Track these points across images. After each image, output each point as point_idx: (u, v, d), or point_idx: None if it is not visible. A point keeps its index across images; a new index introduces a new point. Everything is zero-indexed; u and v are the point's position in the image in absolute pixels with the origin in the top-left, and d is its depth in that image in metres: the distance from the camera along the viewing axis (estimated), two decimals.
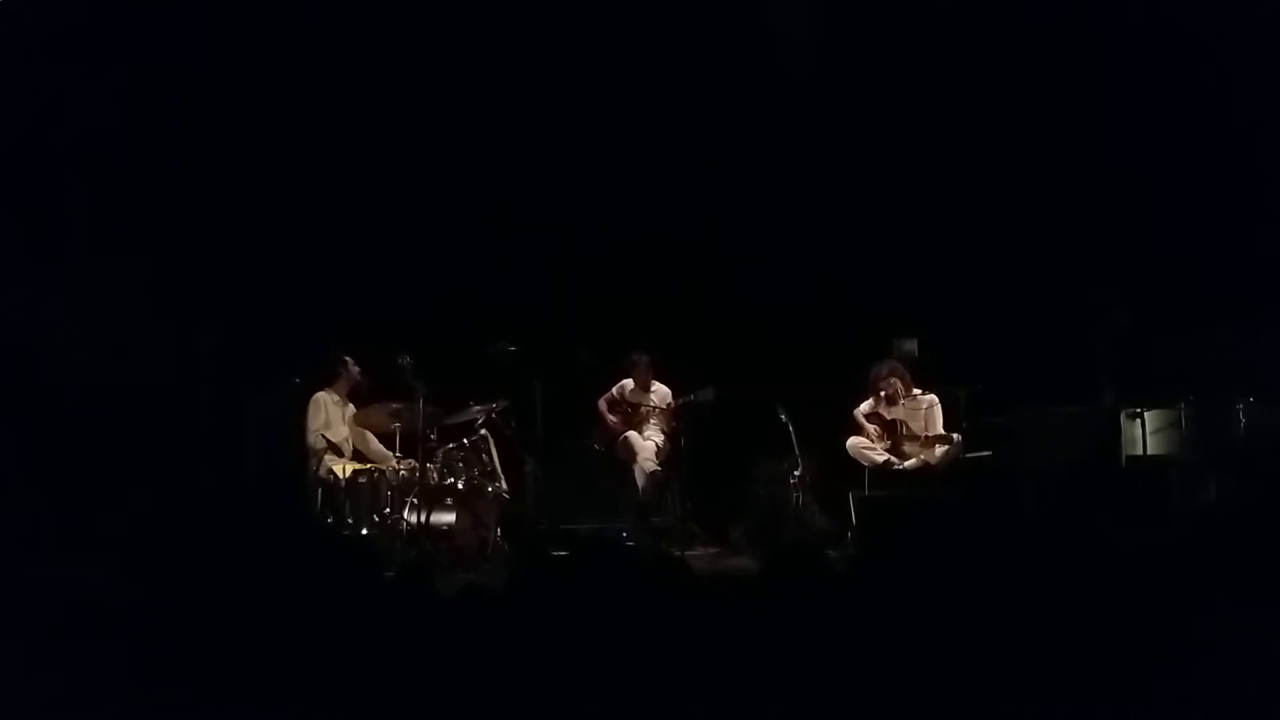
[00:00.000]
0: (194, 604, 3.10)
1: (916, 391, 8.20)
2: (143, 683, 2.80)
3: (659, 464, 8.39)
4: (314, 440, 7.53)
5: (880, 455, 8.13)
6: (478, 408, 7.72)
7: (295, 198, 8.39)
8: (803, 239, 8.94)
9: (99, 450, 7.46)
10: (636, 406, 8.67)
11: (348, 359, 7.83)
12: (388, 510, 7.30)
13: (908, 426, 8.19)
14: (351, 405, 7.83)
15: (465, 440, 7.68)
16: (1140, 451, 7.36)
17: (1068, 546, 3.44)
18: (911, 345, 8.54)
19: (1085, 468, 7.31)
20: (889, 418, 8.26)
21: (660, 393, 8.64)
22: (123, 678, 2.81)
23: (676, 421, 8.38)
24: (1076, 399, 7.73)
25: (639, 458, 8.41)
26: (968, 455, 7.95)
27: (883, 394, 8.21)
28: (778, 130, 8.73)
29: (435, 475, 7.51)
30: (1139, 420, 7.39)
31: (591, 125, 8.68)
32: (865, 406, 8.34)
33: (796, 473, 8.04)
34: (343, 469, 7.42)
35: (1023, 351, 7.94)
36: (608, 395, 8.77)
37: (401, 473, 7.46)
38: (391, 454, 7.64)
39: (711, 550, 7.99)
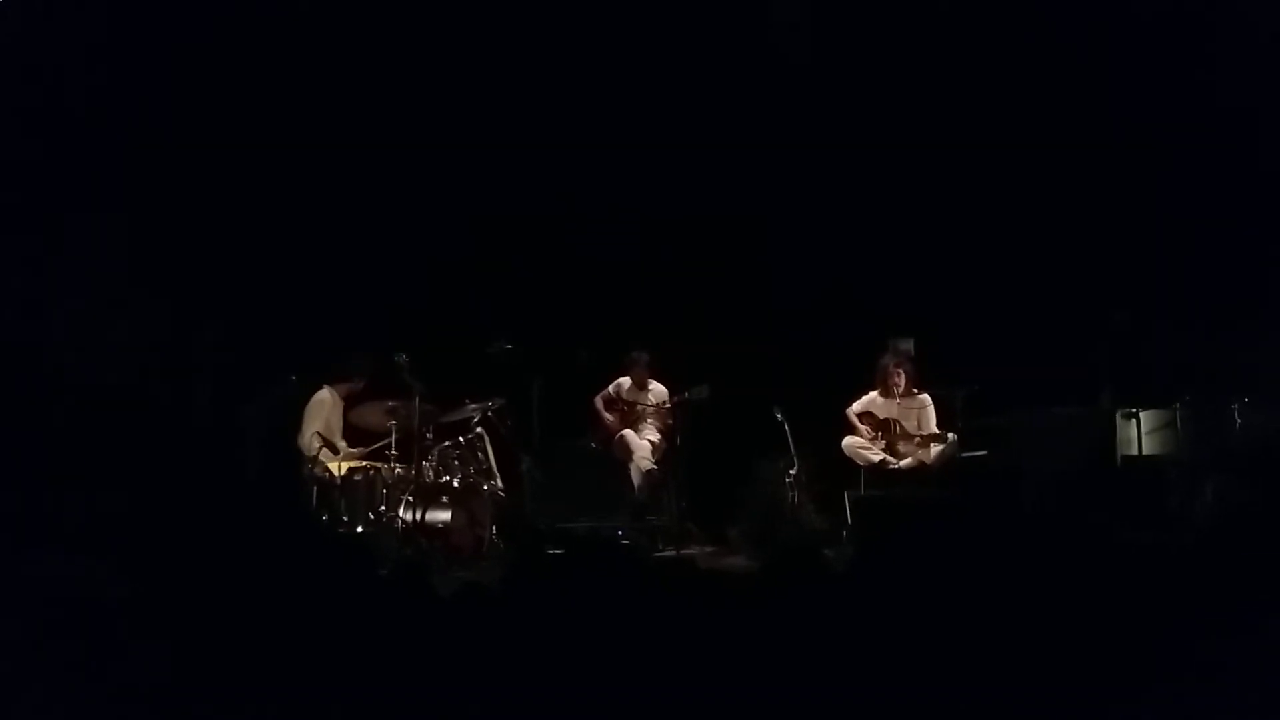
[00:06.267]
0: (190, 601, 3.10)
1: (913, 390, 8.22)
2: (139, 679, 2.79)
3: (655, 463, 8.36)
4: (310, 439, 7.52)
5: (876, 455, 8.14)
6: (474, 406, 7.73)
7: (293, 195, 8.38)
8: (799, 239, 8.93)
9: (95, 447, 7.45)
10: (633, 405, 8.64)
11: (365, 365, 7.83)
12: (383, 508, 7.30)
13: (901, 426, 8.21)
14: (343, 404, 7.83)
15: (461, 438, 7.70)
16: (1136, 452, 7.36)
17: (1063, 546, 3.44)
18: (908, 345, 8.55)
19: (1081, 468, 7.32)
20: (882, 417, 8.28)
21: (656, 391, 8.61)
22: (119, 674, 2.80)
23: (673, 420, 8.37)
24: (1072, 399, 7.74)
25: (635, 456, 8.38)
26: (963, 455, 7.95)
27: (888, 383, 8.21)
28: (777, 130, 8.72)
29: (431, 473, 7.51)
30: (1134, 420, 7.40)
31: (591, 124, 8.67)
32: (857, 405, 8.36)
33: (792, 472, 8.02)
34: (338, 467, 7.43)
35: (1018, 351, 7.93)
36: (603, 393, 8.75)
37: (397, 471, 7.46)
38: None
39: (707, 549, 7.97)
